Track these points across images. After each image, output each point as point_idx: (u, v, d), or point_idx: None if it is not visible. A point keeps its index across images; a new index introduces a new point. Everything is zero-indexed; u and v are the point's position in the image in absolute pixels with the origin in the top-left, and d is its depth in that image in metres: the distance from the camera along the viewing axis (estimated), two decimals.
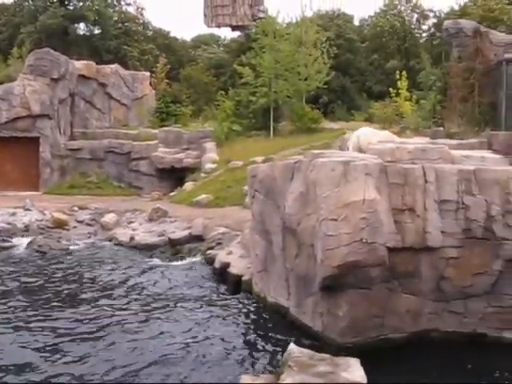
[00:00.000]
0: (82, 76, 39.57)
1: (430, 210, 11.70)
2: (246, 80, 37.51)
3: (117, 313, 13.84)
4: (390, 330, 11.77)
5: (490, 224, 11.92)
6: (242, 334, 12.89)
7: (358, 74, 59.33)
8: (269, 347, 12.10)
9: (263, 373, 10.11)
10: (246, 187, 19.53)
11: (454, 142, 21.95)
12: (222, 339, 12.36)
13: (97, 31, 64.05)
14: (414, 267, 11.77)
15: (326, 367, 8.81)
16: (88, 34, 64.41)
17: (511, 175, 12.15)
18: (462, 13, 43.47)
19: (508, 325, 12.08)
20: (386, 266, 11.40)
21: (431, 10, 64.82)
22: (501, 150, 23.36)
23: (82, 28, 64.41)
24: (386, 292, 11.65)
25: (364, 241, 11.06)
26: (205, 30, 63.34)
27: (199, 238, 20.57)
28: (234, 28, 54.69)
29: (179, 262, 19.20)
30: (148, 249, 20.96)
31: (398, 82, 32.88)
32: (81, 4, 62.40)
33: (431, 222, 11.69)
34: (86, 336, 12.40)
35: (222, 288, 16.20)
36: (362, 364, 8.86)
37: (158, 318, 13.52)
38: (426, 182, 11.77)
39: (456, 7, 55.11)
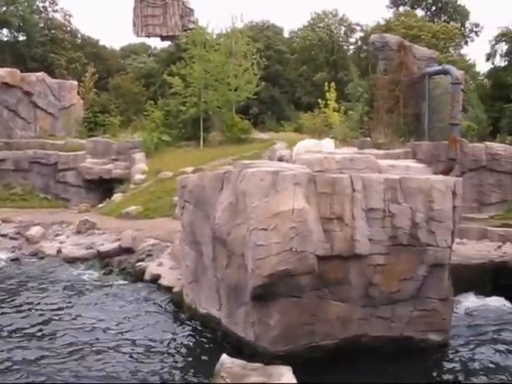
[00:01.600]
0: (6, 84, 38.18)
1: (358, 219, 11.94)
2: (176, 90, 37.31)
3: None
4: (321, 337, 11.91)
5: (414, 231, 12.29)
6: (173, 347, 12.73)
7: (287, 85, 60.11)
8: (200, 359, 12.01)
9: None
10: (175, 198, 19.35)
11: (381, 151, 22.62)
12: (152, 352, 12.17)
13: (22, 38, 62.10)
14: (343, 275, 11.96)
15: (259, 377, 8.80)
16: (12, 40, 62.33)
17: (434, 184, 12.58)
18: (387, 28, 44.91)
19: (432, 327, 12.48)
20: (315, 274, 11.54)
21: (358, 24, 66.70)
22: (424, 160, 24.27)
23: (5, 34, 62.33)
24: (316, 300, 11.78)
25: (294, 250, 11.16)
26: (135, 40, 62.45)
27: (129, 250, 20.21)
28: (163, 38, 54.27)
29: (109, 276, 18.79)
30: (76, 262, 20.42)
31: (327, 94, 33.51)
32: (4, 9, 60.34)
33: (359, 230, 11.92)
34: None
35: (154, 300, 15.96)
36: (295, 372, 8.91)
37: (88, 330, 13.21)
38: (353, 190, 11.99)
39: (382, 22, 56.94)
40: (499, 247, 19.58)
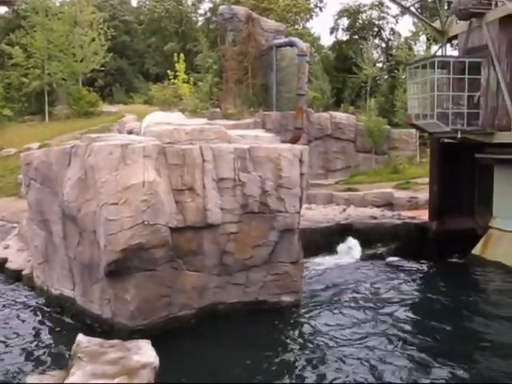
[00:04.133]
0: None
1: (209, 189, 12.09)
2: (17, 61, 35.06)
3: None
4: (178, 308, 12.00)
5: (264, 198, 12.69)
6: (26, 332, 12.14)
7: (135, 56, 58.54)
8: (56, 342, 11.60)
9: (53, 369, 9.60)
10: (20, 176, 18.31)
11: (231, 122, 22.94)
12: (3, 343, 11.55)
13: None
14: (197, 245, 12.10)
15: (117, 353, 8.69)
16: None
17: (282, 152, 13.02)
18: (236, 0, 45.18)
19: (285, 290, 13.06)
20: (169, 246, 11.56)
21: None
22: (273, 129, 25.01)
23: None
24: (171, 271, 11.82)
25: (146, 223, 11.08)
26: None
27: None
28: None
29: None
30: None
31: (176, 65, 33.21)
32: None
33: (211, 200, 12.08)
34: None
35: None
36: (154, 344, 8.91)
37: None
38: (203, 161, 12.10)
39: None
40: (344, 210, 20.86)
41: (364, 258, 17.80)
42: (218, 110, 29.42)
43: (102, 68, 37.57)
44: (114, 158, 11.18)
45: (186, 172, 11.90)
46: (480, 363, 10.59)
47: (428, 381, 9.64)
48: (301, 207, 13.30)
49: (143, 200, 11.05)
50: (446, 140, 19.23)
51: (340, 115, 32.48)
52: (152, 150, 11.58)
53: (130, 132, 17.00)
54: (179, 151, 12.00)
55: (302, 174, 13.14)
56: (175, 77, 33.34)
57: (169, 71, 34.37)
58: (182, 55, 33.73)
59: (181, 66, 33.11)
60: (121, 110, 35.40)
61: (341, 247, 18.09)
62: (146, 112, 21.91)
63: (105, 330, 11.45)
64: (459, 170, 19.14)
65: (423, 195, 23.21)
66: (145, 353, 8.71)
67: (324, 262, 17.24)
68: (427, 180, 21.32)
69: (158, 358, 8.47)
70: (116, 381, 7.55)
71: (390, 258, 17.85)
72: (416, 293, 15.08)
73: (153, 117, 15.34)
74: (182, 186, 11.87)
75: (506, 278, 16.06)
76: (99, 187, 11.19)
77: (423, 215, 20.08)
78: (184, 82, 33.14)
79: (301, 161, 13.15)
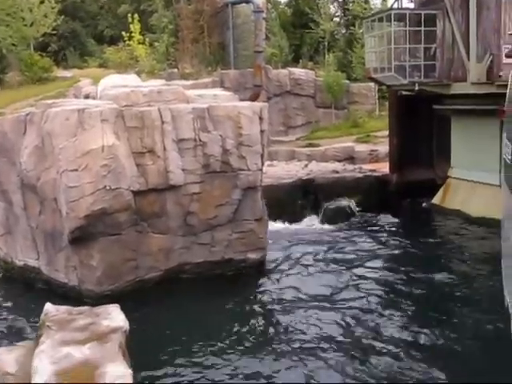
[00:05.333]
0: None
1: (170, 150, 12.02)
2: None
3: None
4: (145, 271, 12.06)
5: (226, 157, 12.68)
6: None
7: (88, 19, 56.96)
8: (23, 313, 11.51)
9: (22, 341, 9.56)
10: None
11: (188, 82, 22.68)
12: None
13: None
14: (161, 207, 12.10)
15: (86, 319, 8.68)
16: None
17: (241, 110, 12.96)
18: None
19: (250, 247, 13.20)
20: (132, 209, 11.54)
21: None
22: (232, 88, 24.85)
23: None
24: (136, 235, 11.83)
25: (108, 188, 11.00)
26: None
27: None
28: None
29: None
30: None
31: (131, 26, 32.46)
32: None
33: (172, 162, 12.03)
34: None
35: None
36: (123, 308, 8.93)
37: None
38: (162, 122, 12.00)
39: None
40: (306, 166, 21.00)
41: (327, 213, 18.00)
42: (175, 70, 29.05)
43: (54, 32, 36.48)
44: (71, 124, 11.01)
45: (145, 134, 11.80)
46: (452, 315, 10.90)
47: (405, 337, 9.85)
48: (263, 164, 13.34)
49: (103, 165, 10.94)
50: (404, 92, 19.40)
51: (299, 71, 32.40)
52: (109, 113, 11.41)
53: (87, 96, 16.68)
54: (137, 114, 11.86)
55: (262, 131, 13.13)
56: (130, 38, 32.62)
57: (123, 33, 33.59)
58: (136, 16, 32.96)
59: (135, 27, 32.38)
60: (76, 74, 34.57)
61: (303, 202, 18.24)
62: (101, 76, 21.47)
63: (72, 297, 11.41)
64: (418, 122, 19.39)
65: (383, 148, 23.52)
66: (114, 317, 8.72)
67: (288, 218, 17.42)
68: (387, 133, 21.59)
69: (127, 322, 8.50)
70: (87, 347, 7.58)
71: (353, 212, 18.14)
72: (380, 245, 15.38)
73: (109, 80, 15.07)
74: (142, 148, 11.78)
75: (465, 225, 16.53)
76: (57, 154, 11.03)
77: (384, 168, 20.38)
78: (139, 43, 32.48)
79: (261, 118, 13.12)
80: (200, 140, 12.41)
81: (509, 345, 8.19)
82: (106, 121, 11.25)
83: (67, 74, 35.32)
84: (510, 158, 8.62)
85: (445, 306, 11.13)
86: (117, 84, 13.83)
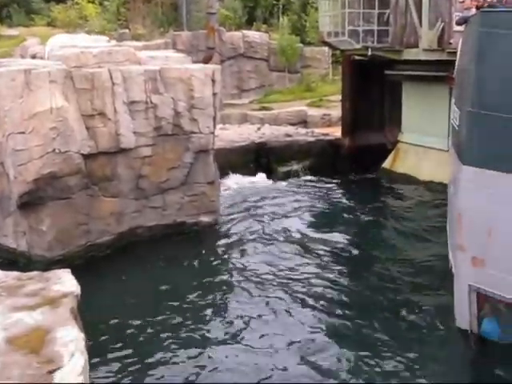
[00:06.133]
0: None
1: (121, 112, 11.83)
2: None
3: None
4: (97, 235, 11.95)
5: (178, 120, 12.59)
6: None
7: None
8: None
9: None
10: None
11: (140, 43, 22.13)
12: None
13: None
14: (112, 170, 11.96)
15: (37, 284, 8.55)
16: None
17: (193, 72, 12.82)
18: None
19: (202, 210, 13.25)
20: (83, 173, 11.36)
21: None
22: (184, 49, 24.46)
23: None
24: (87, 199, 11.68)
25: (57, 151, 10.78)
26: None
27: None
28: None
29: None
30: None
31: None
32: None
33: (123, 124, 11.86)
34: None
35: None
36: (75, 273, 8.85)
37: None
38: (113, 84, 11.76)
39: None
40: (259, 129, 20.97)
41: (280, 176, 18.16)
42: (126, 31, 28.33)
43: None
44: (17, 85, 10.65)
45: (95, 96, 11.55)
46: (394, 277, 11.22)
47: (354, 301, 10.12)
48: (215, 127, 13.32)
49: (52, 127, 10.69)
50: (357, 57, 19.47)
51: (253, 34, 32.06)
52: (58, 74, 11.10)
53: (34, 56, 16.13)
54: (87, 75, 11.58)
55: (214, 94, 13.05)
56: None
57: None
58: None
59: None
60: (22, 33, 33.28)
61: (256, 165, 18.30)
62: (49, 35, 20.75)
63: (22, 263, 11.25)
64: (370, 87, 19.53)
65: (336, 112, 23.65)
66: (65, 282, 8.63)
67: (240, 181, 17.48)
68: (340, 97, 21.68)
69: (79, 287, 8.45)
70: (38, 312, 7.51)
71: (305, 175, 18.33)
72: (331, 207, 15.67)
73: (57, 40, 14.61)
74: (93, 111, 11.55)
75: (414, 189, 16.92)
76: (3, 116, 10.70)
77: (336, 132, 20.54)
78: (89, 1, 31.48)
79: (213, 80, 13.02)
80: (151, 102, 12.26)
81: (448, 301, 8.55)
82: (54, 82, 10.94)
83: (13, 32, 33.99)
84: (457, 123, 8.83)
85: (386, 268, 11.45)
86: (66, 44, 13.43)
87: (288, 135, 19.72)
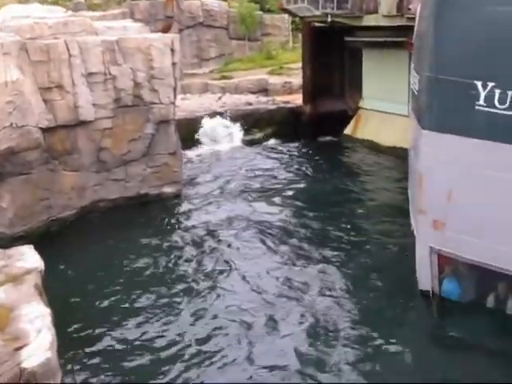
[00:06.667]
0: None
1: (79, 85, 11.58)
2: None
3: None
4: (59, 210, 11.79)
5: (137, 91, 12.40)
6: None
7: None
8: None
9: None
10: None
11: (97, 13, 21.69)
12: None
13: None
14: (72, 144, 11.75)
15: None
16: None
17: (152, 42, 12.60)
18: None
19: (165, 181, 13.18)
20: (42, 147, 11.13)
21: None
22: (142, 19, 23.98)
23: None
24: (48, 173, 11.47)
25: (14, 125, 10.53)
26: None
27: None
28: None
29: None
30: None
31: None
32: None
33: (81, 97, 11.62)
34: None
35: None
36: (38, 249, 8.76)
37: None
38: (70, 56, 11.48)
39: None
40: (220, 98, 20.85)
41: (243, 144, 18.16)
42: (81, 0, 27.60)
43: None
44: None
45: (52, 68, 11.26)
46: (355, 237, 11.44)
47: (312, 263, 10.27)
48: (175, 98, 13.17)
49: (8, 101, 10.42)
50: (317, 24, 19.39)
51: (211, 2, 31.59)
52: (12, 46, 10.76)
53: None
54: (42, 46, 11.26)
55: (174, 64, 12.87)
56: None
57: None
58: None
59: None
60: None
61: (220, 134, 18.23)
62: (0, 5, 20.09)
63: None
64: (330, 54, 19.55)
65: (297, 80, 23.63)
66: (28, 258, 8.55)
67: (204, 150, 17.42)
68: (300, 65, 21.63)
69: (42, 262, 8.37)
70: (1, 290, 7.42)
71: (268, 142, 18.37)
72: (295, 172, 15.76)
73: (9, 10, 14.15)
74: (50, 83, 11.26)
75: (375, 154, 17.12)
76: None
77: (297, 99, 20.54)
78: None
79: (172, 50, 12.83)
80: (110, 73, 12.03)
81: (410, 264, 8.74)
82: (8, 54, 10.61)
83: None
84: (417, 88, 8.91)
85: (348, 233, 11.62)
86: (18, 15, 13.01)
87: (249, 104, 19.65)
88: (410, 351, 7.63)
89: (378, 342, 7.83)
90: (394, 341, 7.82)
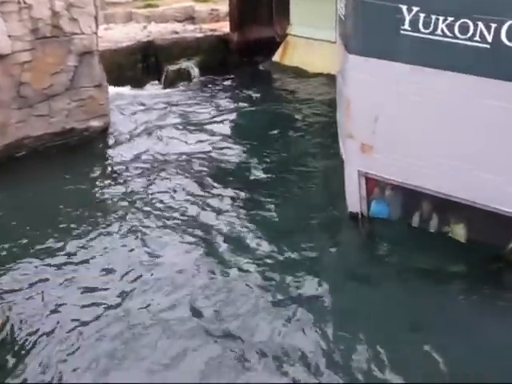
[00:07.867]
0: None
1: None
2: None
3: None
4: None
5: (56, 21, 11.79)
6: None
7: None
8: None
9: None
10: None
11: None
12: None
13: None
14: None
15: None
16: None
17: None
18: None
19: (91, 115, 12.81)
20: None
21: None
22: None
23: None
24: None
25: None
26: None
27: None
28: None
29: None
30: None
31: None
32: None
33: None
34: None
35: None
36: None
37: None
38: None
39: None
40: (145, 28, 20.13)
41: (170, 78, 17.70)
42: None
43: None
44: None
45: None
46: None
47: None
48: (97, 27, 12.63)
49: None
50: None
51: None
52: None
53: None
54: None
55: None
56: None
57: None
58: None
59: None
60: None
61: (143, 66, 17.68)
62: None
63: None
64: None
65: (224, 7, 22.99)
66: None
67: (129, 83, 16.94)
68: None
69: None
70: None
71: (195, 77, 18.04)
72: (225, 106, 15.59)
73: None
74: None
75: (303, 81, 17.17)
76: None
77: (224, 27, 20.10)
78: None
79: None
80: (25, 2, 11.32)
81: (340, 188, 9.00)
82: None
83: None
84: (343, 13, 8.90)
85: (280, 159, 11.76)
86: None
87: (175, 32, 19.09)
88: (339, 268, 8.05)
89: (308, 263, 8.10)
90: (326, 260, 8.15)
